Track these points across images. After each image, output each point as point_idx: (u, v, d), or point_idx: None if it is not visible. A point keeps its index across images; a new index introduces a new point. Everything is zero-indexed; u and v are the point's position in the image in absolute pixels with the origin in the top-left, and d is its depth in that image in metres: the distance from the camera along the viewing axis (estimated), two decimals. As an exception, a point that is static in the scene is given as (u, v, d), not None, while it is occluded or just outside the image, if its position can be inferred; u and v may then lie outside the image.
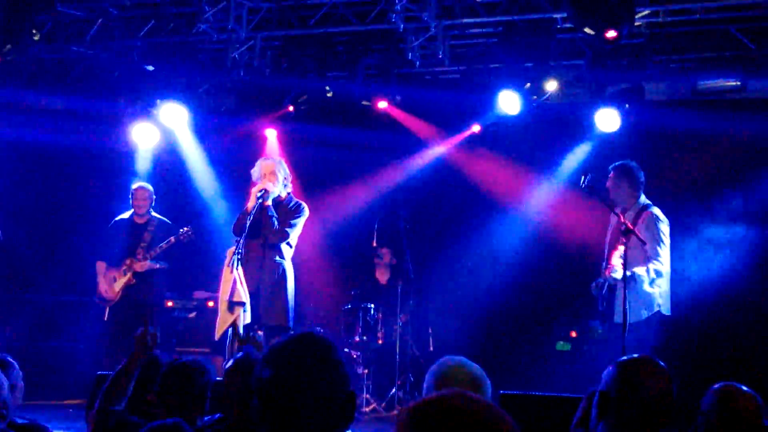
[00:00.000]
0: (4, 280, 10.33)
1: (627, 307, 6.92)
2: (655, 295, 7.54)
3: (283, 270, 7.89)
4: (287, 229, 7.84)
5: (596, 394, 2.94)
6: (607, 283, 7.53)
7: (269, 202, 7.78)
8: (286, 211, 7.94)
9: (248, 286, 7.55)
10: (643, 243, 7.17)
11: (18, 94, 9.91)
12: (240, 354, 4.56)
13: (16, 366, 4.73)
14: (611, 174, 7.70)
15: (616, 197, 7.64)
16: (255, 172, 8.05)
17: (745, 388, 3.51)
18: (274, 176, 7.91)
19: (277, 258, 7.87)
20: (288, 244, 7.95)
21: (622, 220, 7.17)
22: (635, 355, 3.00)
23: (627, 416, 2.84)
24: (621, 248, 7.08)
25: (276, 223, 7.77)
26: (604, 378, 2.94)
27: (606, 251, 7.78)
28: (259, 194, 7.72)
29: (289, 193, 8.10)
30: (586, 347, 8.41)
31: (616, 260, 7.20)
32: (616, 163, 7.78)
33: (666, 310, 7.60)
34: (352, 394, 2.40)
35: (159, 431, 2.77)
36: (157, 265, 9.21)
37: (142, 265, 9.11)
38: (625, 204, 7.65)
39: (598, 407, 2.90)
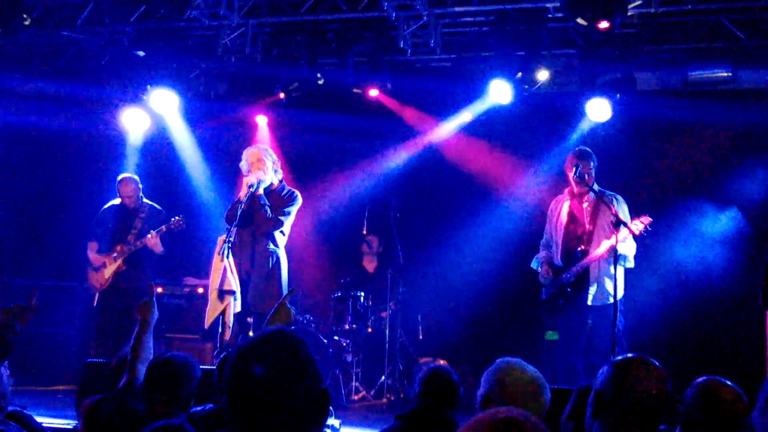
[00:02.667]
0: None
1: (603, 286, 6.98)
2: (619, 282, 7.55)
3: (277, 258, 7.88)
4: (281, 217, 7.81)
5: (591, 392, 2.95)
6: (577, 269, 7.55)
7: (261, 191, 7.75)
8: (279, 198, 7.91)
9: (238, 275, 7.53)
10: (634, 235, 7.20)
11: (8, 79, 9.85)
12: (234, 347, 4.59)
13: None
14: (585, 160, 7.67)
15: (590, 181, 7.65)
16: (243, 164, 8.00)
17: (728, 382, 3.52)
18: (262, 163, 7.86)
19: (271, 246, 7.85)
20: (281, 232, 7.93)
21: (613, 212, 7.18)
22: (630, 355, 3.01)
23: (622, 416, 2.85)
24: (625, 232, 7.11)
25: (269, 211, 7.74)
26: (599, 377, 2.95)
27: (561, 235, 7.76)
28: (250, 184, 7.68)
29: (281, 181, 8.04)
30: (564, 335, 8.38)
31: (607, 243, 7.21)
32: (581, 149, 7.79)
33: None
34: (325, 392, 2.36)
35: (163, 430, 2.75)
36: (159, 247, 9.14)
37: (152, 240, 9.00)
38: (582, 188, 7.68)
39: (593, 406, 2.91)
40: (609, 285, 7.37)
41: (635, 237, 7.35)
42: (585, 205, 7.52)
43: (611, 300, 7.35)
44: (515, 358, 3.50)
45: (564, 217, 7.80)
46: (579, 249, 7.59)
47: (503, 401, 3.22)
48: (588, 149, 7.79)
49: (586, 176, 7.60)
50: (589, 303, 7.37)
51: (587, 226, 7.45)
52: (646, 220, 7.22)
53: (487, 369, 3.51)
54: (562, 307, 7.73)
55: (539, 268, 7.98)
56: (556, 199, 7.92)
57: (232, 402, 2.30)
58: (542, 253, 8.01)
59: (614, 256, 7.05)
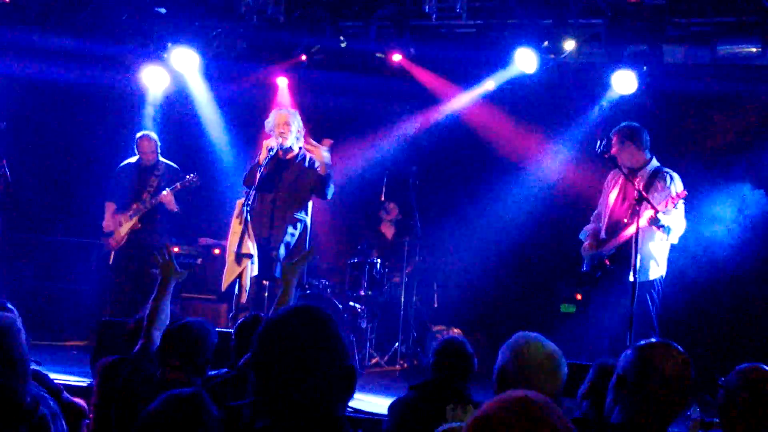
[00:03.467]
0: (13, 221, 10.31)
1: (638, 263, 6.90)
2: (661, 258, 7.48)
3: (305, 225, 7.87)
4: (327, 193, 7.79)
5: (613, 375, 2.92)
6: (616, 242, 7.48)
7: (325, 154, 7.70)
8: (302, 167, 7.85)
9: (256, 239, 7.50)
10: (656, 210, 7.08)
11: (27, 35, 9.74)
12: (251, 313, 4.62)
13: (15, 311, 4.73)
14: (614, 138, 7.58)
15: (623, 160, 7.55)
16: (269, 122, 7.92)
17: None
18: (288, 127, 7.78)
19: (302, 214, 7.82)
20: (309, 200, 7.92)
21: (639, 188, 7.09)
22: (653, 339, 2.98)
23: (644, 400, 2.83)
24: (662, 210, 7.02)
25: (325, 177, 7.71)
26: (621, 361, 2.93)
27: (609, 209, 7.69)
28: (270, 147, 7.62)
29: (300, 148, 7.98)
30: (591, 308, 8.35)
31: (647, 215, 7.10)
32: (618, 127, 7.68)
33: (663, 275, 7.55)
34: (352, 368, 2.40)
35: (177, 401, 2.75)
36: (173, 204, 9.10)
37: (166, 197, 8.99)
38: (633, 165, 7.56)
39: (615, 390, 2.89)
40: (649, 263, 7.30)
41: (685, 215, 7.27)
42: (638, 180, 7.38)
43: (651, 277, 7.30)
44: (533, 332, 3.47)
45: (616, 190, 7.70)
46: (623, 223, 7.50)
47: (519, 375, 3.20)
48: (623, 126, 7.63)
49: (617, 155, 7.49)
50: (630, 279, 7.26)
51: (634, 200, 7.32)
52: (683, 193, 7.11)
53: (505, 342, 3.48)
54: (599, 280, 7.66)
55: (584, 240, 7.91)
56: (615, 171, 7.78)
57: (259, 377, 2.35)
58: (591, 225, 7.92)
59: (636, 234, 6.94)
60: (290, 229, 7.77)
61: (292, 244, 7.77)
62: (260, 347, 2.37)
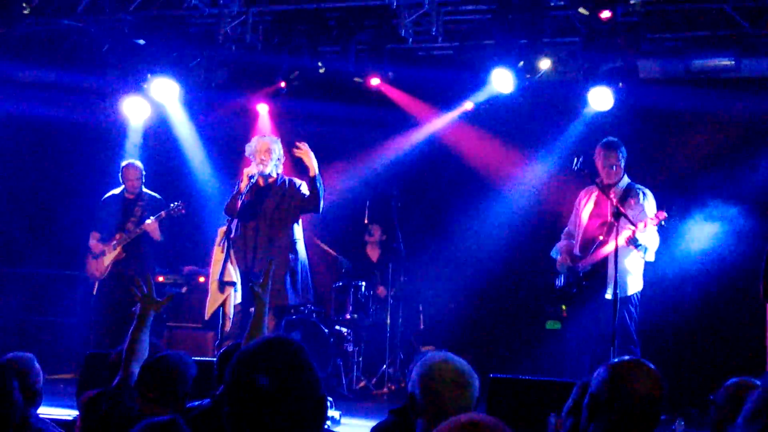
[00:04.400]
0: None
1: (618, 279, 6.94)
2: (637, 274, 7.52)
3: (297, 249, 7.87)
4: (320, 204, 7.76)
5: (587, 395, 2.94)
6: (591, 259, 7.53)
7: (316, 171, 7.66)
8: (284, 190, 7.84)
9: (240, 266, 7.50)
10: (634, 225, 7.14)
11: (8, 68, 9.79)
12: (233, 342, 4.64)
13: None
14: (609, 152, 7.61)
15: (616, 175, 7.59)
16: (250, 146, 7.92)
17: (759, 382, 3.52)
18: (269, 154, 7.79)
19: (294, 237, 7.81)
20: (298, 223, 7.91)
21: (615, 203, 7.15)
22: (626, 358, 3.01)
23: (617, 419, 2.85)
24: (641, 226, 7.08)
25: (313, 188, 7.68)
26: (594, 380, 2.95)
27: (583, 225, 7.72)
28: (251, 175, 7.62)
29: (279, 174, 7.97)
30: (576, 326, 8.38)
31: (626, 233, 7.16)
32: (609, 140, 7.72)
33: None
34: (323, 398, 2.42)
35: (153, 428, 2.77)
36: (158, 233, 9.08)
37: (151, 225, 8.98)
38: (609, 182, 7.61)
39: (589, 410, 2.91)
40: (627, 278, 7.35)
41: (658, 230, 7.33)
42: (612, 196, 7.43)
43: (628, 292, 7.35)
44: (442, 351, 3.48)
45: (589, 207, 7.74)
46: (598, 240, 7.55)
47: (428, 394, 3.21)
48: (614, 141, 7.70)
49: (613, 168, 7.54)
50: (608, 296, 7.29)
51: (609, 217, 7.37)
52: (662, 215, 7.16)
53: (414, 365, 3.50)
54: (574, 297, 7.69)
55: (558, 257, 7.94)
56: (587, 189, 7.84)
57: (233, 409, 2.36)
58: (562, 242, 7.96)
59: (615, 250, 7.00)
60: (290, 255, 7.74)
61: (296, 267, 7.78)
62: (232, 380, 2.38)
